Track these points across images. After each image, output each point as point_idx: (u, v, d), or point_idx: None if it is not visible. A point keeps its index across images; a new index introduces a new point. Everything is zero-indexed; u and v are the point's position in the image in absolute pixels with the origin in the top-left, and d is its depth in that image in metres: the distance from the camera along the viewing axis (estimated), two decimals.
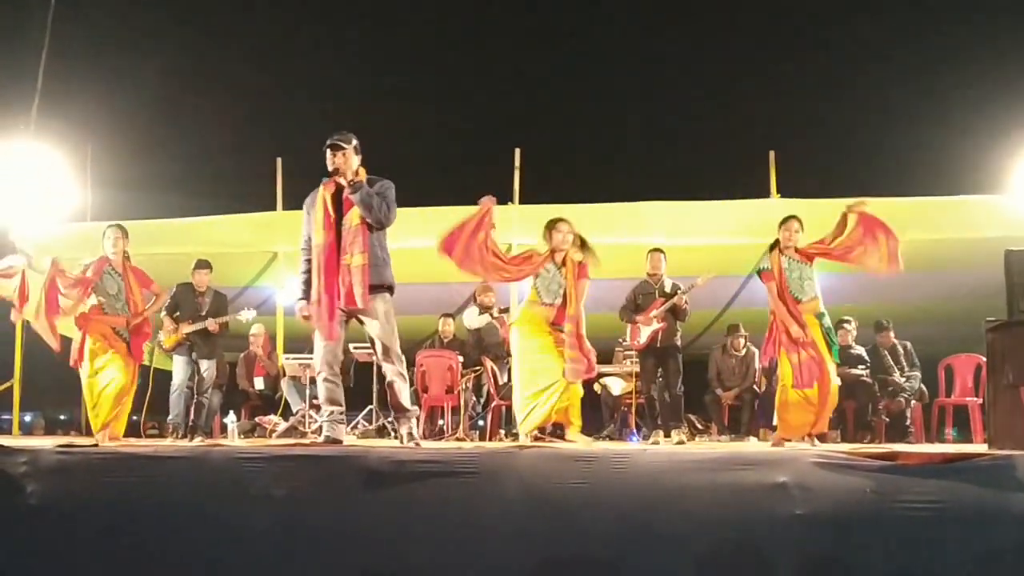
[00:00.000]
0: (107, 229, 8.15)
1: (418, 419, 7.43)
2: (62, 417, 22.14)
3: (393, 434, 10.61)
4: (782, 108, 19.41)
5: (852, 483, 4.77)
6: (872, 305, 11.69)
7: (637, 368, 10.40)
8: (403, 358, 6.75)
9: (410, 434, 6.62)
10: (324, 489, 5.06)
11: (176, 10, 20.85)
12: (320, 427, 6.91)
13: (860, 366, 10.67)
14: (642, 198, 11.48)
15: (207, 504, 5.09)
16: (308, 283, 6.71)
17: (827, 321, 7.76)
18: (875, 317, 11.32)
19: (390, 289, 6.71)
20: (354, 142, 6.59)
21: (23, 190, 12.16)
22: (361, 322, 6.64)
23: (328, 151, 6.53)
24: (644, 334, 9.42)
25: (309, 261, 6.71)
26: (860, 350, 10.78)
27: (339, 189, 6.55)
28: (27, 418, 18.18)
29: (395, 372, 6.65)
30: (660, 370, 9.57)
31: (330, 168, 6.54)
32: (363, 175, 6.60)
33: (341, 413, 6.75)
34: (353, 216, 6.47)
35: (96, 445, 5.67)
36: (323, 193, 6.59)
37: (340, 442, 6.52)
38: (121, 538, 5.11)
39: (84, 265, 8.00)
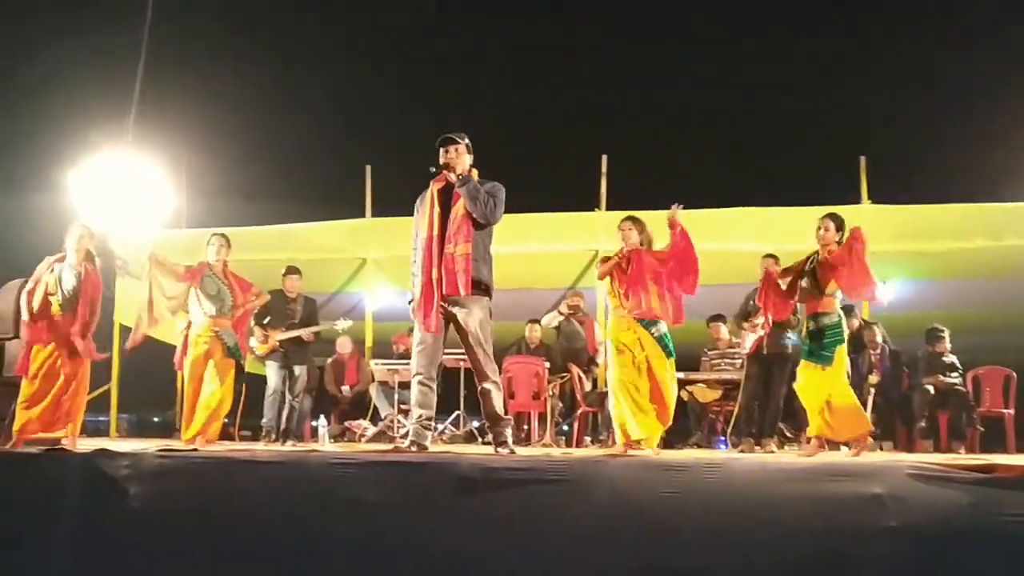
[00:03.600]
0: (212, 236, 8.16)
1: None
2: (155, 419, 22.62)
3: (482, 440, 10.72)
4: (874, 112, 19.14)
5: (948, 496, 4.69)
6: (943, 312, 11.53)
7: (724, 376, 10.34)
8: (496, 370, 6.73)
9: (504, 442, 6.53)
10: (415, 495, 5.11)
11: (269, 21, 21.20)
12: (408, 432, 6.93)
13: (953, 374, 10.46)
14: (730, 204, 11.42)
15: (301, 509, 5.17)
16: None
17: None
18: (950, 323, 11.07)
19: (488, 292, 6.68)
20: (466, 140, 6.67)
21: (121, 198, 12.47)
22: (458, 328, 6.59)
23: (440, 147, 6.61)
24: (749, 341, 9.31)
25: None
26: (953, 358, 10.56)
27: (448, 184, 6.60)
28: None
29: (489, 382, 6.61)
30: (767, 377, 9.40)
31: (442, 162, 6.61)
32: (475, 175, 6.64)
33: (430, 419, 6.72)
34: (460, 207, 6.50)
35: (195, 449, 5.80)
36: (432, 188, 6.66)
37: (425, 448, 6.52)
38: (217, 541, 5.21)
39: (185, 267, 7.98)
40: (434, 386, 6.70)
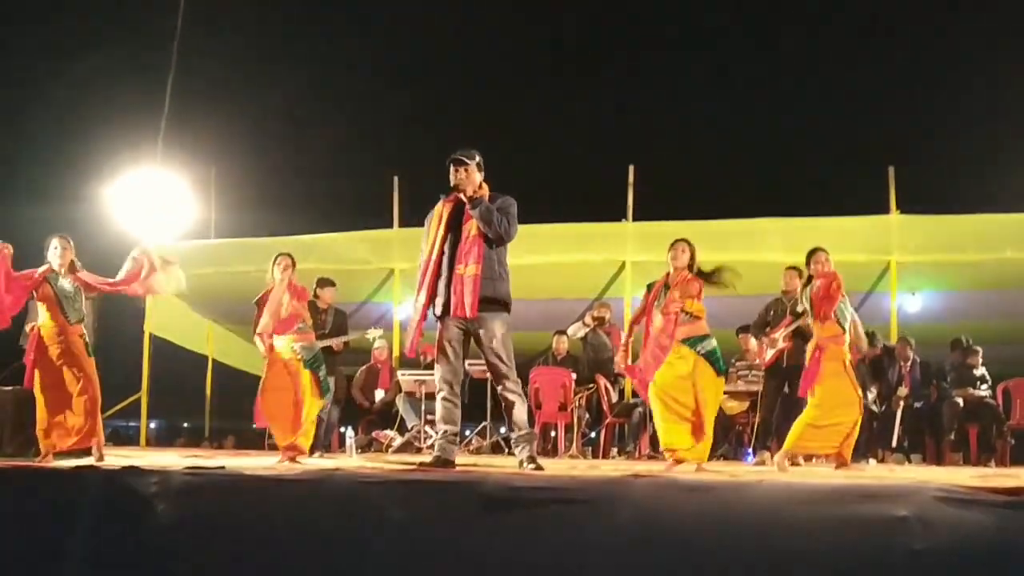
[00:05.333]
0: (277, 256, 8.06)
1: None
2: (185, 425, 22.85)
3: (508, 451, 10.74)
4: (903, 123, 19.06)
5: (975, 519, 4.63)
6: (973, 323, 11.47)
7: (751, 387, 10.30)
8: (518, 380, 6.68)
9: (531, 458, 6.48)
10: (441, 514, 5.11)
11: (296, 34, 21.36)
12: (434, 444, 6.94)
13: (983, 386, 10.39)
14: (758, 215, 11.39)
15: (327, 527, 5.17)
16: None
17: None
18: (980, 334, 11.00)
19: (506, 307, 6.61)
20: (477, 158, 6.54)
21: (152, 210, 12.61)
22: (477, 341, 6.55)
23: (451, 166, 6.50)
24: (769, 352, 9.29)
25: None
26: (983, 370, 10.50)
27: (459, 203, 6.51)
28: (151, 426, 18.82)
29: (509, 391, 6.57)
30: (787, 389, 9.37)
31: (452, 183, 6.50)
32: (486, 191, 6.56)
33: (455, 434, 6.69)
34: (471, 227, 6.43)
35: (223, 467, 5.84)
36: (440, 208, 6.59)
37: (452, 464, 6.52)
38: (243, 559, 5.23)
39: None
40: (458, 401, 6.68)
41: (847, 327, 7.48)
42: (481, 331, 6.48)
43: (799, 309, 7.96)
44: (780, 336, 9.10)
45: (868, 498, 4.81)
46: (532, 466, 6.38)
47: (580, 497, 5.03)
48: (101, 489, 5.45)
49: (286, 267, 7.87)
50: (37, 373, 7.21)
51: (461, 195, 6.48)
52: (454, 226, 6.52)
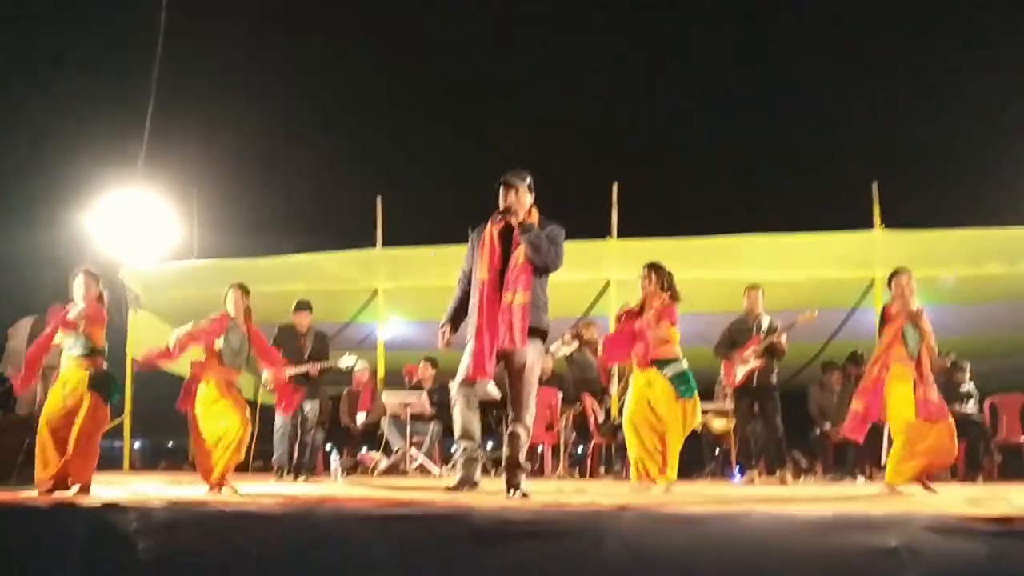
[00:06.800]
0: (228, 290, 7.97)
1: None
2: (170, 444, 22.74)
3: (495, 472, 10.69)
4: (887, 137, 19.10)
5: (965, 548, 4.60)
6: (957, 338, 11.47)
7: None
8: (533, 412, 6.48)
9: (517, 485, 6.33)
10: (427, 549, 5.05)
11: (279, 54, 21.29)
12: (420, 465, 6.81)
13: (969, 402, 10.39)
14: (742, 231, 11.37)
15: (312, 563, 5.12)
16: (456, 312, 6.58)
17: None
18: (965, 349, 11.03)
19: (543, 335, 6.47)
20: (528, 180, 6.38)
21: (133, 232, 12.54)
22: (508, 365, 6.34)
23: (501, 188, 6.36)
24: (740, 372, 9.26)
25: (465, 292, 6.55)
26: (969, 386, 10.50)
27: (507, 226, 6.33)
28: (135, 446, 18.71)
29: (522, 425, 6.39)
30: (757, 409, 9.37)
31: (502, 206, 6.34)
32: (535, 215, 6.39)
33: (476, 449, 6.45)
34: (520, 254, 6.23)
35: (205, 503, 5.77)
36: (491, 229, 6.38)
37: (476, 484, 6.36)
38: None
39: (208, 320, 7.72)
40: (477, 415, 6.48)
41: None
42: (515, 356, 6.29)
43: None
44: (751, 355, 9.10)
45: (858, 528, 4.78)
46: (519, 494, 6.28)
47: (568, 530, 4.98)
48: (79, 528, 5.38)
49: None
50: None
51: (511, 219, 6.29)
52: (503, 249, 6.34)
